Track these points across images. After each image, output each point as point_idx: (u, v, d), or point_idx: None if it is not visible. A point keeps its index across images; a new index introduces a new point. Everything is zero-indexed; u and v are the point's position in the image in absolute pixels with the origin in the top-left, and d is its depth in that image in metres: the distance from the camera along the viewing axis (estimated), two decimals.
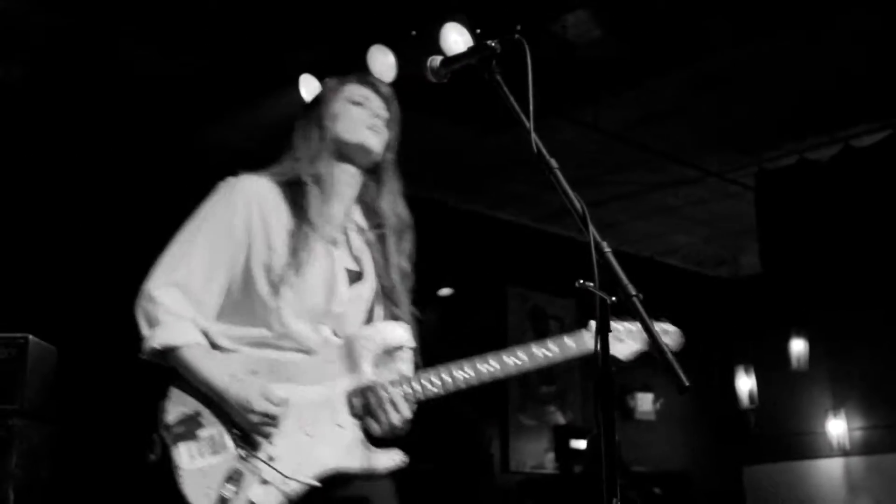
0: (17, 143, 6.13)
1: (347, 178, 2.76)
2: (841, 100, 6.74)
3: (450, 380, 2.66)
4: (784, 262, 7.85)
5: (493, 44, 2.57)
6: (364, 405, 2.58)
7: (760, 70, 6.35)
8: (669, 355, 2.05)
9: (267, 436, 2.47)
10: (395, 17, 5.53)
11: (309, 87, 5.91)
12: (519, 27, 4.94)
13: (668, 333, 2.97)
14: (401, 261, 2.83)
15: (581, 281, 2.17)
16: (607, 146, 7.37)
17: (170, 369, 2.55)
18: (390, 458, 2.61)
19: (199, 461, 2.43)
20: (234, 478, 2.41)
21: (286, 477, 2.44)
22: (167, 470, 2.42)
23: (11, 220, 5.84)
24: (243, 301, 2.60)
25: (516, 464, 8.68)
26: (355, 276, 2.73)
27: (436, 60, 2.68)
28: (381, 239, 2.80)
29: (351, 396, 2.59)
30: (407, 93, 5.98)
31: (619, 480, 2.13)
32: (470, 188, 8.26)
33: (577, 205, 2.27)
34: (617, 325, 2.81)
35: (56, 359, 4.50)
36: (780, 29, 5.72)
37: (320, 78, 5.87)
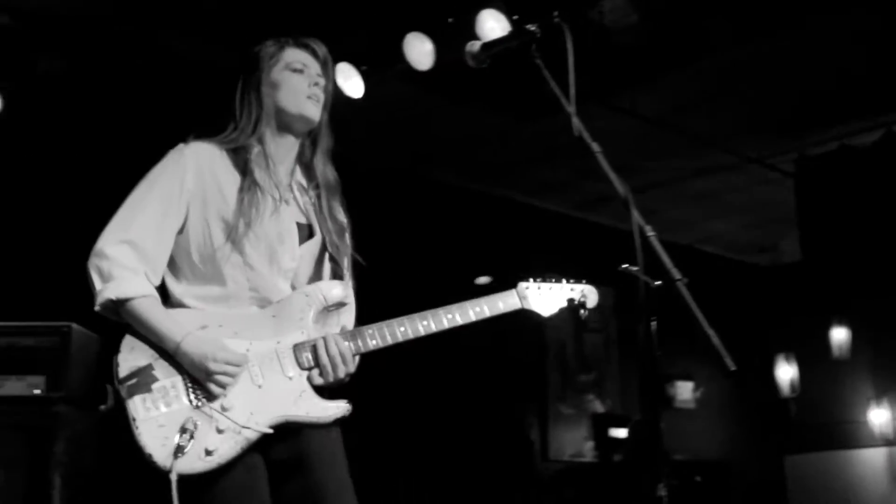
0: (60, 133, 6.19)
1: (288, 144, 2.85)
2: (883, 84, 6.67)
3: (388, 334, 2.75)
4: (825, 248, 7.77)
5: (533, 28, 2.59)
6: (312, 358, 2.67)
7: (801, 53, 6.29)
8: (715, 339, 2.03)
9: (223, 387, 2.55)
10: (432, 4, 5.53)
11: (345, 75, 5.91)
12: (556, 13, 4.92)
13: (587, 294, 3.15)
14: (338, 216, 2.91)
15: (625, 265, 2.16)
16: (645, 133, 7.32)
17: (123, 325, 2.64)
18: (337, 407, 2.69)
19: (153, 412, 2.51)
20: (189, 427, 2.50)
21: (240, 426, 2.53)
22: (123, 421, 2.51)
23: (54, 210, 5.90)
24: (198, 258, 2.69)
25: (555, 452, 8.67)
26: (306, 232, 2.83)
27: (475, 45, 2.72)
28: (319, 197, 2.88)
29: (298, 350, 2.67)
30: (444, 80, 6.06)
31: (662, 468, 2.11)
32: (507, 176, 8.24)
33: (621, 188, 2.26)
34: (540, 284, 3.00)
35: (99, 346, 4.54)
36: (811, 14, 5.67)
37: (357, 66, 5.88)
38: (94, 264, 2.64)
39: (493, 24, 5.24)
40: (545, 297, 3.02)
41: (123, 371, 2.57)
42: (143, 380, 2.54)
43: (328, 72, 2.92)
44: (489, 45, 2.67)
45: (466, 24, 5.29)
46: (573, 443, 8.82)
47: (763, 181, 8.43)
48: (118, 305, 2.61)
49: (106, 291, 2.61)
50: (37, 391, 4.49)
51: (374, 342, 2.74)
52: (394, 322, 2.78)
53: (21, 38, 5.95)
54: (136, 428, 2.50)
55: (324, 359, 2.67)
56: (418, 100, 6.60)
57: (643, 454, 7.85)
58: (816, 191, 7.76)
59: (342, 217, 2.94)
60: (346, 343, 2.72)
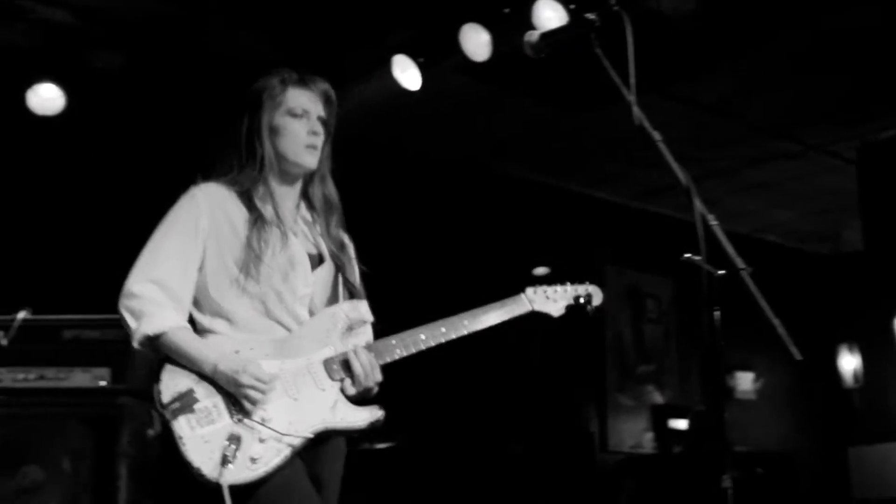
0: (118, 130, 6.28)
1: (291, 183, 3.01)
2: None
3: (410, 343, 2.93)
4: (888, 237, 7.64)
5: (591, 16, 2.58)
6: (342, 370, 2.85)
7: (862, 39, 6.18)
8: (780, 328, 2.01)
9: (257, 403, 2.71)
10: None
11: (402, 68, 5.92)
12: (614, 1, 4.89)
13: (592, 293, 3.26)
14: (337, 235, 3.06)
15: (688, 254, 2.14)
16: (704, 121, 7.25)
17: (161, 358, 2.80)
18: (370, 413, 2.86)
19: (198, 430, 2.67)
20: (233, 441, 2.66)
21: (281, 434, 2.70)
22: (171, 441, 2.66)
23: (113, 205, 5.99)
24: (219, 291, 2.86)
25: (615, 444, 8.63)
26: (317, 261, 2.97)
27: (534, 35, 2.72)
28: (321, 223, 3.05)
29: (329, 363, 2.85)
30: (500, 71, 6.05)
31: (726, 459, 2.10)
32: (565, 167, 8.21)
33: (682, 177, 2.23)
34: (546, 288, 3.17)
35: None
36: None
37: (414, 58, 5.89)
38: (124, 305, 2.81)
39: (549, 14, 5.21)
40: (552, 300, 3.17)
41: (166, 397, 2.72)
42: (185, 402, 2.70)
43: (331, 108, 3.02)
44: (548, 35, 2.66)
45: (523, 14, 5.27)
46: (633, 434, 8.78)
47: (825, 169, 8.31)
48: (154, 340, 2.77)
49: (141, 328, 2.76)
50: (102, 383, 4.58)
51: (398, 351, 2.92)
52: (414, 331, 2.95)
53: (80, 36, 6.04)
54: (184, 446, 2.65)
55: (356, 369, 2.83)
56: (474, 91, 6.59)
57: (704, 445, 7.79)
58: (879, 178, 7.62)
59: (341, 235, 3.08)
60: (371, 354, 2.88)
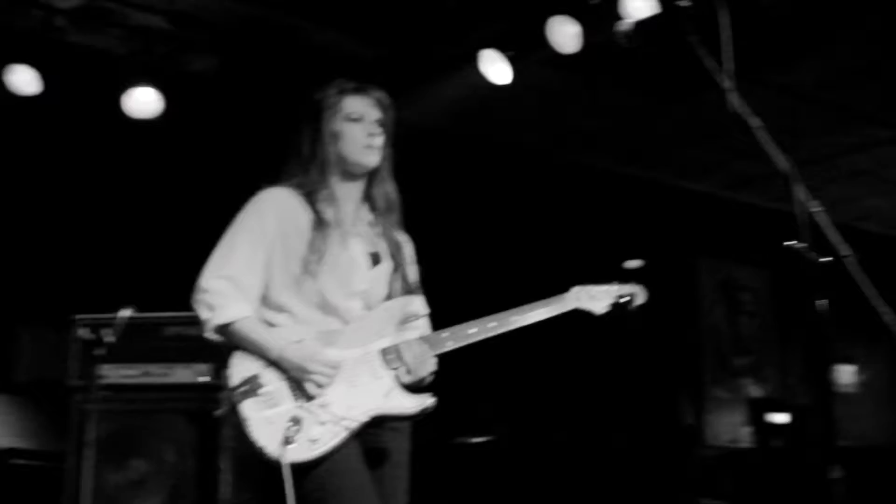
0: (212, 132, 6.39)
1: (352, 185, 3.19)
2: None
3: (461, 336, 3.10)
4: None
5: (684, 4, 2.54)
6: (397, 359, 3.04)
7: None
8: (889, 316, 1.96)
9: (320, 386, 2.92)
10: None
11: (489, 61, 5.92)
12: None
13: (634, 292, 3.33)
14: (397, 235, 3.25)
15: (790, 241, 2.10)
16: (798, 108, 7.10)
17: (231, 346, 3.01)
18: (423, 401, 3.04)
19: (263, 412, 2.88)
20: (295, 422, 2.85)
21: (339, 417, 2.91)
22: (237, 422, 2.88)
23: (208, 205, 6.10)
24: (284, 288, 3.07)
25: (711, 438, 8.52)
26: (375, 259, 3.17)
27: (627, 24, 2.68)
28: (380, 223, 3.23)
29: (385, 353, 3.05)
30: (592, 63, 6.01)
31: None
32: (657, 157, 8.12)
33: (782, 164, 2.19)
34: (594, 287, 3.30)
35: None
36: None
37: (503, 52, 5.89)
38: (197, 299, 3.03)
39: (639, 4, 5.15)
40: (596, 298, 3.31)
41: (235, 381, 2.94)
42: (252, 386, 2.91)
43: (387, 113, 3.18)
44: (641, 24, 2.64)
45: (612, 4, 5.22)
46: (729, 428, 8.65)
47: None
48: (224, 329, 2.99)
49: (213, 319, 2.98)
50: (203, 378, 4.69)
51: (449, 344, 3.10)
52: (466, 325, 3.12)
53: (174, 40, 6.17)
54: (249, 426, 2.87)
55: (408, 359, 3.03)
56: (564, 84, 6.56)
57: (806, 439, 7.65)
58: None
59: (400, 235, 3.26)
60: (425, 345, 3.08)
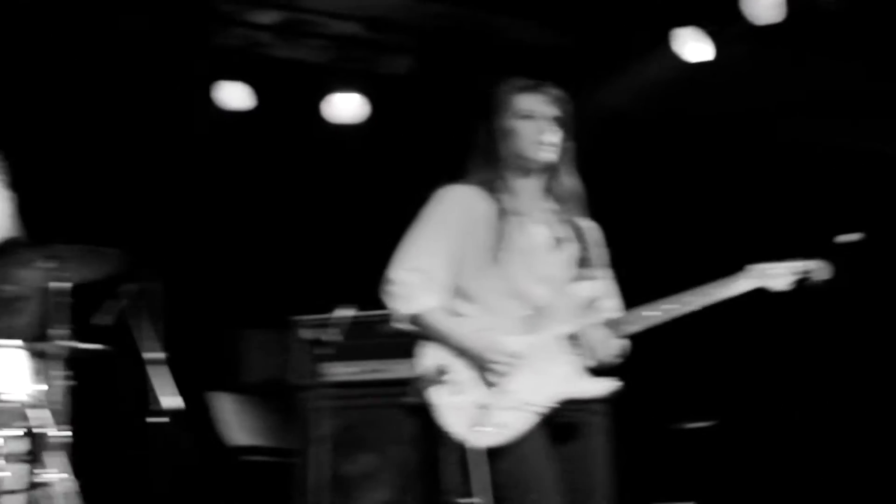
0: (412, 132, 6.52)
1: (531, 178, 3.26)
2: None
3: (641, 319, 3.15)
4: None
5: None
6: (581, 344, 3.12)
7: None
8: None
9: (504, 376, 3.02)
10: None
11: (682, 41, 5.82)
12: None
13: (817, 267, 3.27)
14: (580, 223, 3.30)
15: None
16: None
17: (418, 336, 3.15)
18: (607, 385, 3.12)
19: (452, 399, 3.02)
20: (483, 408, 2.97)
21: (526, 403, 3.01)
22: (425, 409, 3.02)
23: (408, 203, 6.20)
24: (469, 279, 3.17)
25: None
26: (558, 243, 3.24)
27: None
28: (564, 211, 3.29)
29: (568, 339, 3.12)
30: (796, 32, 5.79)
31: None
32: (877, 129, 7.74)
33: None
34: (773, 265, 3.27)
35: None
36: None
37: (700, 29, 5.78)
38: (387, 290, 3.17)
39: None
40: (775, 276, 3.28)
41: (424, 370, 3.09)
42: (440, 375, 3.03)
43: (564, 109, 3.24)
44: None
45: None
46: None
47: None
48: (413, 320, 3.13)
49: (403, 310, 3.13)
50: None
51: (631, 327, 3.15)
52: (647, 307, 3.16)
53: (371, 45, 6.33)
54: (439, 413, 3.02)
55: (592, 343, 3.11)
56: (765, 57, 6.36)
57: None
58: None
59: (583, 222, 3.31)
60: (608, 329, 3.14)
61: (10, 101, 5.59)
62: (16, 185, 4.33)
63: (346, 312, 4.59)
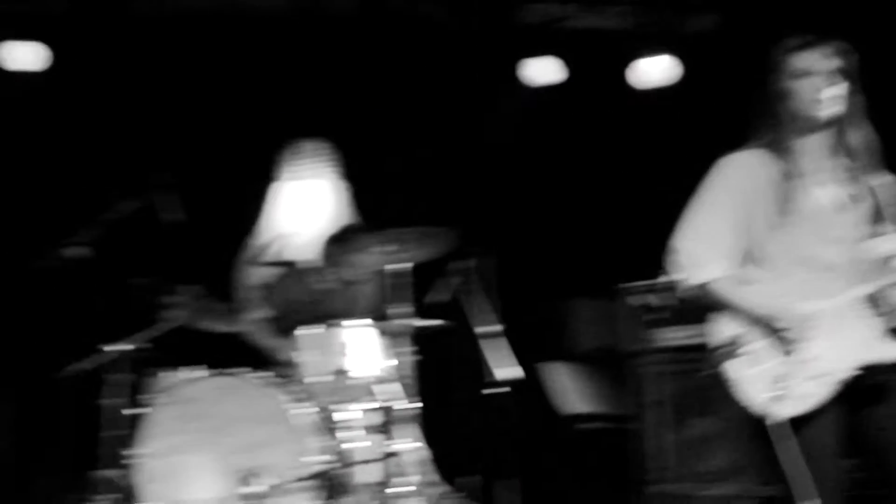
0: (720, 91, 6.36)
1: (816, 138, 3.13)
2: None
3: None
4: None
5: None
6: (882, 304, 2.98)
7: None
8: None
9: (801, 343, 2.92)
10: None
11: None
12: None
13: None
14: (872, 178, 3.14)
15: None
16: None
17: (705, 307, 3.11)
18: None
19: (748, 370, 2.94)
20: (781, 379, 2.89)
21: (826, 371, 2.90)
22: (720, 382, 2.96)
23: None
24: (758, 245, 3.09)
25: None
26: (847, 203, 3.11)
27: None
28: (856, 167, 3.14)
29: (869, 299, 3.00)
30: None
31: None
32: None
33: None
34: None
35: None
36: None
37: None
38: (672, 260, 3.14)
39: None
40: None
41: (717, 342, 3.04)
42: (734, 346, 2.97)
43: (847, 60, 3.11)
44: None
45: None
46: None
47: None
48: (700, 290, 3.09)
49: (689, 280, 3.09)
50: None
51: None
52: None
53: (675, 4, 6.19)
54: (735, 385, 2.95)
55: (890, 304, 2.98)
56: None
57: None
58: None
59: (879, 178, 3.16)
60: None
61: (336, 100, 6.04)
62: (348, 176, 4.66)
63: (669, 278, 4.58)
